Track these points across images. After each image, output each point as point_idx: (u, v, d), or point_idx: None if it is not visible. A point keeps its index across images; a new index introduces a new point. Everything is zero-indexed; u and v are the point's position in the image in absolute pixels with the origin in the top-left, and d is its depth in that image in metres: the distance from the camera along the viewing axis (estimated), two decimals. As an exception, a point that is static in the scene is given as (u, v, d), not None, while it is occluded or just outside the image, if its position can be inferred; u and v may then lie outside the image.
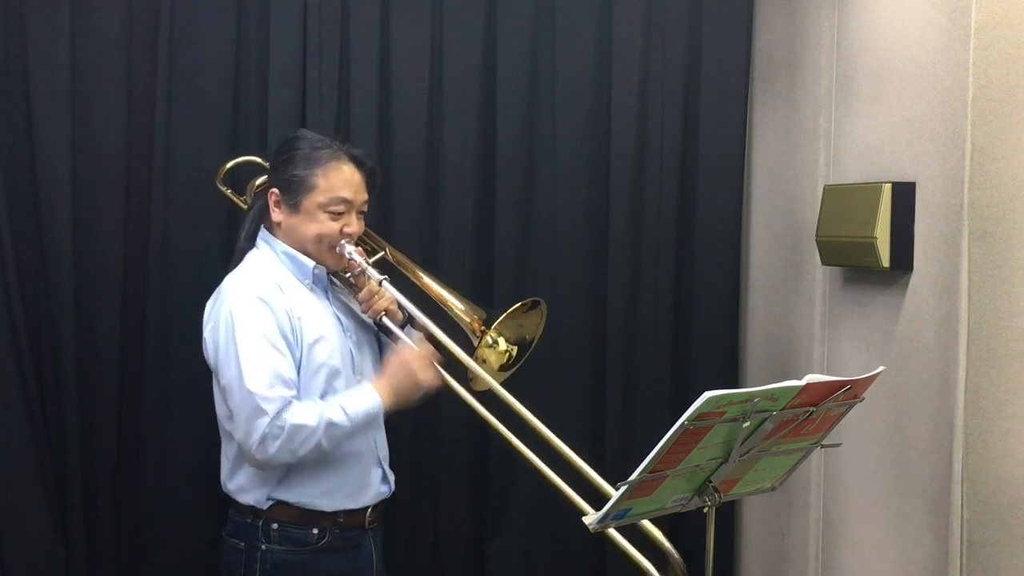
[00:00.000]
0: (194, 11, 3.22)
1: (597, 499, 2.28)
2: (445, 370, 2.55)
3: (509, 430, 2.50)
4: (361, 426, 2.43)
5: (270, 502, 2.45)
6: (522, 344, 2.72)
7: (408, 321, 2.63)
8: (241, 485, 2.47)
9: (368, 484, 2.53)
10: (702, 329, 3.50)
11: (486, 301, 3.13)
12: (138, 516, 3.23)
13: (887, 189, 2.65)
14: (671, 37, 3.46)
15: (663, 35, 3.46)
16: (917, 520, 2.61)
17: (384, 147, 3.32)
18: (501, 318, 2.65)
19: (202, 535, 3.25)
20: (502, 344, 2.67)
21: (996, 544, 2.45)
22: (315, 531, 2.46)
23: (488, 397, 2.56)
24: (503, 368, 2.68)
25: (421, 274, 2.74)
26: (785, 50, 3.32)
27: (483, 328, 2.65)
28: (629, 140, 3.43)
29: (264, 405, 2.33)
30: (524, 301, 2.70)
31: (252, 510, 2.46)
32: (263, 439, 2.33)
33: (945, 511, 2.49)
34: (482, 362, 2.62)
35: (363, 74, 3.31)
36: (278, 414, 2.34)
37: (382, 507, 2.61)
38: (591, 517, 2.11)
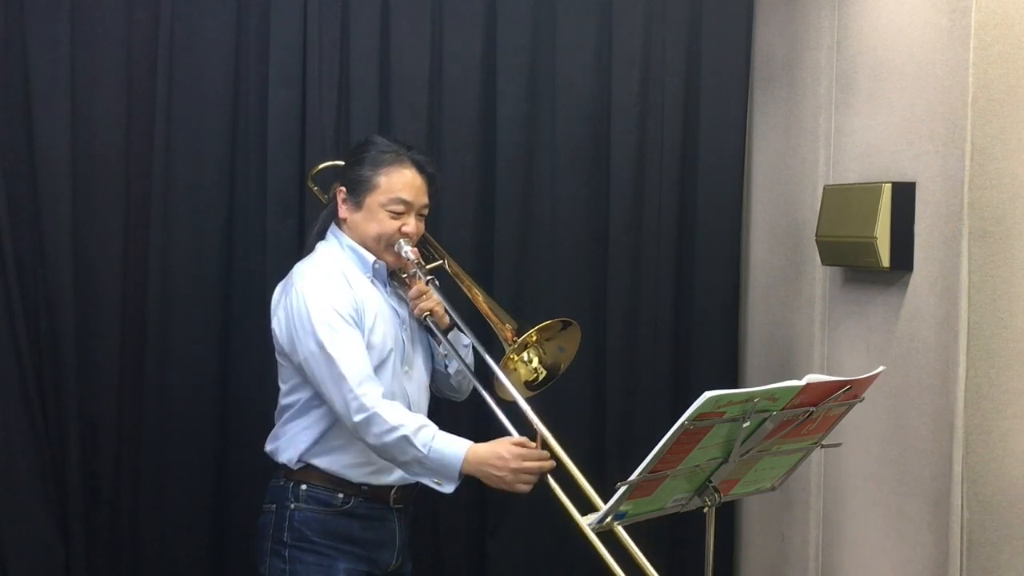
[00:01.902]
0: (194, 11, 3.22)
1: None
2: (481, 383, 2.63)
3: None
4: (431, 466, 2.47)
5: (300, 464, 2.60)
6: (553, 370, 2.76)
7: (452, 326, 2.72)
8: (278, 444, 2.64)
9: (393, 468, 2.59)
10: (702, 329, 3.50)
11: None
12: (138, 516, 3.23)
13: (887, 189, 2.65)
14: (671, 37, 3.46)
15: (663, 35, 3.46)
16: (917, 520, 2.60)
17: (384, 147, 3.32)
18: (531, 330, 2.69)
19: (202, 535, 3.26)
20: (535, 362, 2.75)
21: (996, 544, 2.45)
22: (340, 495, 2.60)
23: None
24: (528, 384, 2.73)
25: (476, 291, 2.81)
26: (785, 50, 3.32)
27: (517, 339, 2.69)
28: (629, 140, 3.43)
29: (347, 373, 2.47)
30: (558, 319, 2.73)
31: (285, 470, 2.62)
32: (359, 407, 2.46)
33: (945, 511, 2.48)
34: (512, 371, 2.68)
35: (363, 74, 3.30)
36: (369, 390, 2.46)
37: (411, 492, 2.69)
38: (591, 517, 2.11)
